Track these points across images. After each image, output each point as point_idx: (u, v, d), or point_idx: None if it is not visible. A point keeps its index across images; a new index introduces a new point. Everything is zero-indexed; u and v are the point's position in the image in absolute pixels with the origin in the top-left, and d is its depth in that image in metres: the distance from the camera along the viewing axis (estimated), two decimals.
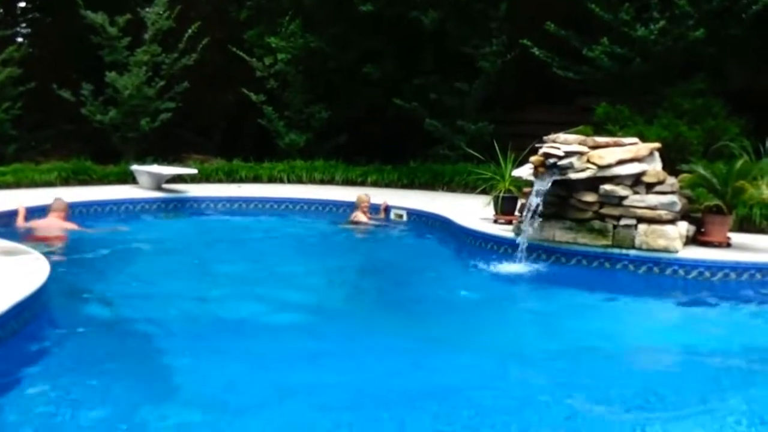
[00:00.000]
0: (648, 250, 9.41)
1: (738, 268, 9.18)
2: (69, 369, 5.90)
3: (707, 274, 9.20)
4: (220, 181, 16.27)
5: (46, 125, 17.65)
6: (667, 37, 13.95)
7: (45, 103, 17.07)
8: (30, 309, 6.39)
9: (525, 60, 15.80)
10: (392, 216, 13.25)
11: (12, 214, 11.29)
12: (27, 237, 10.49)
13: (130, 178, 15.30)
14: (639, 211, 9.45)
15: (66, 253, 10.02)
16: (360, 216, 12.53)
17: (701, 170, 10.28)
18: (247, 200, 14.45)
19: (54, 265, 7.35)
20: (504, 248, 10.22)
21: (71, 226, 11.18)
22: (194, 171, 15.45)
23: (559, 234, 9.88)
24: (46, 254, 7.94)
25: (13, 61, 16.63)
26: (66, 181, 14.97)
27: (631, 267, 9.48)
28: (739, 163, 10.25)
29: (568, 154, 9.40)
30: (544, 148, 9.58)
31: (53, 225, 11.03)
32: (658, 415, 5.38)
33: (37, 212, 11.44)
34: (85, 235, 11.06)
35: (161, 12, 17.03)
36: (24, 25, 20.28)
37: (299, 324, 7.49)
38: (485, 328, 7.56)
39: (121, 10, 16.83)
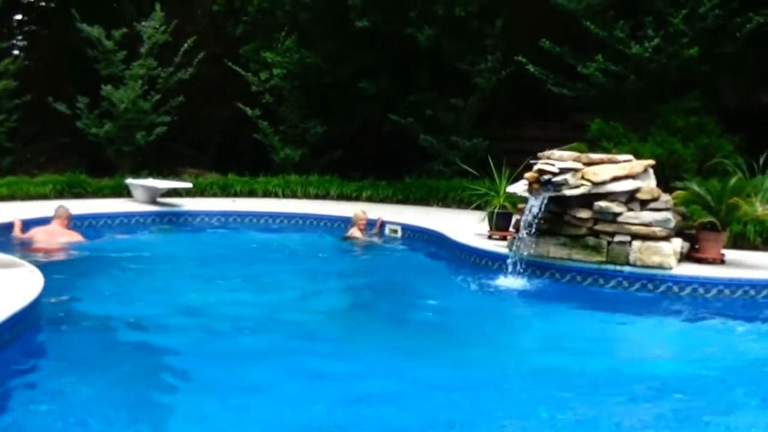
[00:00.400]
0: (642, 266, 9.42)
1: (732, 284, 9.20)
2: (62, 383, 5.87)
3: (701, 290, 9.22)
4: (215, 195, 16.26)
5: (42, 138, 17.64)
6: (661, 55, 14.01)
7: (40, 115, 17.07)
8: (24, 322, 6.38)
9: (520, 77, 15.84)
10: (387, 232, 13.25)
11: (8, 227, 11.31)
12: (27, 248, 10.58)
13: (125, 192, 15.30)
14: (633, 228, 9.47)
15: (62, 265, 10.01)
16: (356, 232, 12.55)
17: (695, 187, 10.31)
18: (242, 214, 14.45)
19: (49, 278, 7.34)
20: (498, 264, 10.22)
21: (73, 235, 11.26)
22: (189, 185, 15.45)
23: (554, 250, 9.89)
24: (41, 266, 7.93)
25: (9, 73, 16.62)
26: (60, 194, 14.97)
27: (625, 284, 9.49)
28: (733, 180, 10.29)
29: (563, 171, 9.44)
30: (539, 165, 9.62)
31: (55, 233, 11.15)
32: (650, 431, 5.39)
33: (32, 225, 11.46)
34: (82, 246, 11.08)
35: (157, 26, 17.06)
36: (20, 37, 20.26)
37: (290, 338, 7.49)
38: (477, 344, 7.56)
39: (118, 23, 16.88)
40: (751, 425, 5.54)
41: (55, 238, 11.11)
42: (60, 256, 10.62)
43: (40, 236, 11.10)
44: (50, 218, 11.44)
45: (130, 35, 16.91)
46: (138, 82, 16.70)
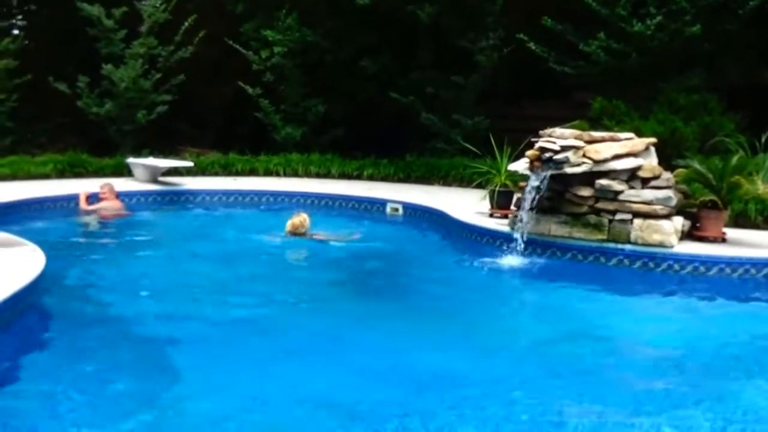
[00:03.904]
0: (643, 244, 9.43)
1: (733, 263, 9.21)
2: (62, 363, 5.90)
3: (702, 269, 9.22)
4: (216, 174, 16.24)
5: (43, 118, 17.62)
6: (663, 33, 13.96)
7: (41, 95, 17.03)
8: (25, 301, 6.40)
9: (521, 54, 15.80)
10: (389, 210, 13.24)
11: (73, 198, 12.64)
12: (95, 214, 12.36)
13: (125, 171, 15.28)
14: (634, 206, 9.46)
15: (61, 245, 10.00)
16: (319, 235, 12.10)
17: (697, 165, 10.30)
18: (243, 193, 14.45)
19: (48, 259, 7.33)
20: (499, 242, 10.24)
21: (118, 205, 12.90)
22: (190, 164, 15.42)
23: (555, 228, 9.90)
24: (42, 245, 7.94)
25: (9, 53, 16.57)
26: (62, 174, 14.96)
27: (626, 262, 9.51)
28: (734, 159, 10.29)
29: (564, 149, 9.43)
30: (540, 143, 9.61)
31: (116, 205, 12.76)
32: (651, 409, 5.40)
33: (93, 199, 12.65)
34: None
35: (157, 4, 16.99)
36: (20, 17, 20.21)
37: (290, 317, 7.53)
38: (479, 321, 7.59)
39: (118, 2, 16.80)
40: (750, 399, 5.57)
41: (118, 207, 12.77)
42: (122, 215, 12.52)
43: (109, 206, 12.58)
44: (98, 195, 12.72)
45: (131, 14, 16.84)
46: (138, 61, 16.65)
